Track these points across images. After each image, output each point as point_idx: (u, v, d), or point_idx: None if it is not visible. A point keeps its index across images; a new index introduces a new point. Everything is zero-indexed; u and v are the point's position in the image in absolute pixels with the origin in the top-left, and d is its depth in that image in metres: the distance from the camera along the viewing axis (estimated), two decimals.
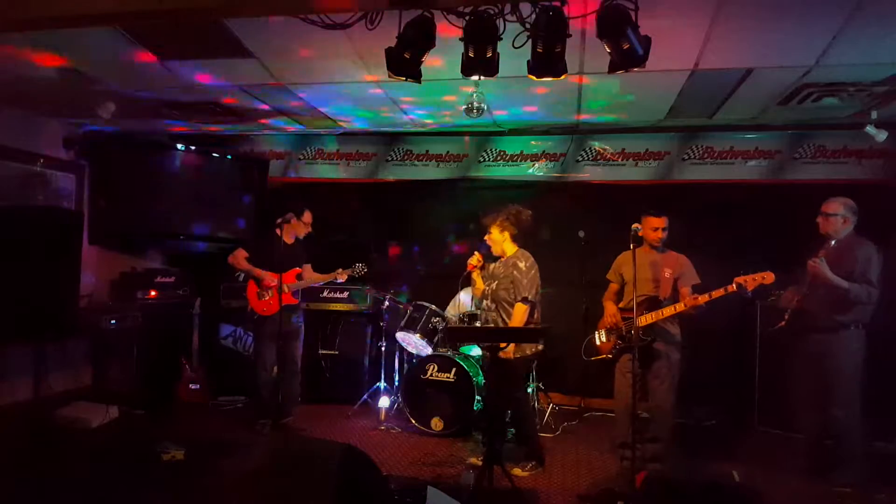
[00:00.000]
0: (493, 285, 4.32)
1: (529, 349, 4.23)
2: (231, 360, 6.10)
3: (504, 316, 4.28)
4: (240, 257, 4.98)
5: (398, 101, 4.84)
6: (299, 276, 5.04)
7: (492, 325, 4.32)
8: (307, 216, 5.00)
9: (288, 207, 4.95)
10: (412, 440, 4.91)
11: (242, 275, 5.23)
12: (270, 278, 4.87)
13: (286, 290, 4.77)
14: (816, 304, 3.97)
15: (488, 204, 4.71)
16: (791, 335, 4.18)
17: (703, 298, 3.82)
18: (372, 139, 6.36)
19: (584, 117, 5.24)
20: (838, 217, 3.97)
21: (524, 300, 4.18)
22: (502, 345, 3.77)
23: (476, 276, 4.45)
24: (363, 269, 5.05)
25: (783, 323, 4.16)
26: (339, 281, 5.08)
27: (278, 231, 4.78)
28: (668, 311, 3.94)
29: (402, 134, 6.20)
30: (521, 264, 4.25)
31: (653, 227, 4.13)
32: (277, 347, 4.81)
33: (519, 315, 4.17)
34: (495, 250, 4.39)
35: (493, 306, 4.33)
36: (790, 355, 4.25)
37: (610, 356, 4.21)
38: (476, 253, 4.40)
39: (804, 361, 4.12)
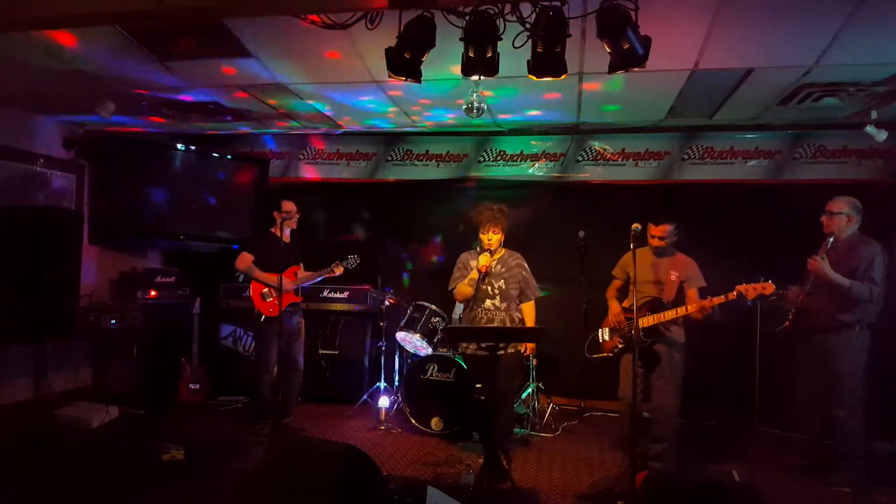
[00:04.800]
0: (501, 284, 4.21)
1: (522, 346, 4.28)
2: (231, 360, 6.09)
3: (515, 314, 4.26)
4: (248, 261, 4.88)
5: (392, 97, 4.82)
6: (297, 275, 5.02)
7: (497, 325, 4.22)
8: (285, 205, 4.91)
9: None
10: (412, 440, 4.91)
11: (242, 276, 5.19)
12: (280, 281, 4.79)
13: (289, 288, 4.78)
14: (820, 303, 3.97)
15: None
16: (794, 335, 4.17)
17: (697, 305, 3.86)
18: (372, 139, 6.37)
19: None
20: (843, 215, 3.98)
21: (536, 299, 4.34)
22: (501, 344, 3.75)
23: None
24: (357, 260, 5.03)
25: (787, 324, 4.15)
26: (335, 274, 4.99)
27: (275, 231, 4.86)
28: (669, 314, 3.95)
29: (402, 134, 6.19)
30: (525, 264, 4.30)
31: (651, 234, 4.15)
32: (280, 347, 4.79)
33: (533, 314, 4.31)
34: (493, 248, 4.24)
35: (504, 305, 4.21)
36: (793, 355, 4.24)
37: (611, 355, 4.23)
38: (487, 253, 4.16)
39: (807, 361, 4.11)
